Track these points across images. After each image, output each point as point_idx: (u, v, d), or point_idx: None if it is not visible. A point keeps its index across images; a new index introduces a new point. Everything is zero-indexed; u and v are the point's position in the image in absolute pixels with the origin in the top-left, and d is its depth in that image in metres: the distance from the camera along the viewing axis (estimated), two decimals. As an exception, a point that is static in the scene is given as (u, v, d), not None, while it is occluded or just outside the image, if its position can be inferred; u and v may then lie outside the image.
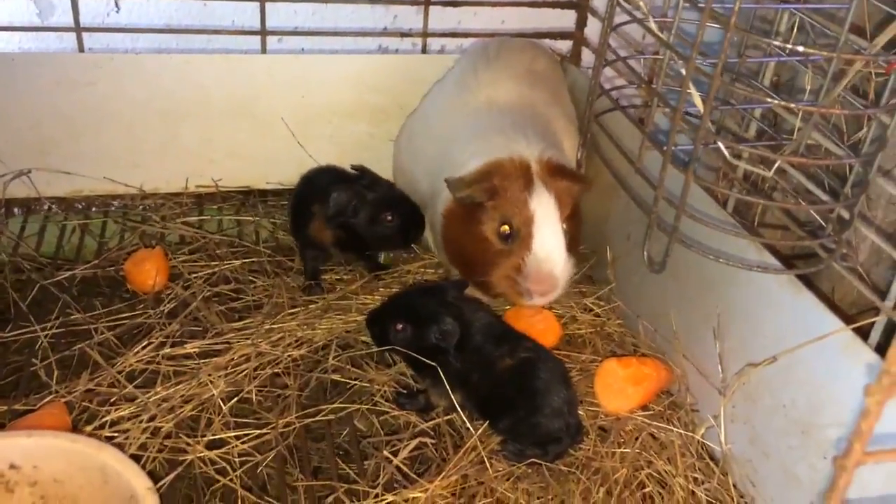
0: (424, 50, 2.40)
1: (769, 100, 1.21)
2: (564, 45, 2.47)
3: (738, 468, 1.55)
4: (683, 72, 1.36)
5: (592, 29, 2.42)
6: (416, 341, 1.64)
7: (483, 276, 1.77)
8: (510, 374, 1.58)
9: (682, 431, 1.61)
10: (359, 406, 1.67)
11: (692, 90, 1.29)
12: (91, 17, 2.18)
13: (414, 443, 1.58)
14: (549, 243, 1.72)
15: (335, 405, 1.66)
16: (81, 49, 2.16)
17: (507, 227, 1.73)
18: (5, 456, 1.22)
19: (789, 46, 1.20)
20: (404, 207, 2.01)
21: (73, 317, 1.79)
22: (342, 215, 1.94)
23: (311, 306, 1.89)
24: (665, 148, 1.36)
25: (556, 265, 1.72)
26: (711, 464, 1.58)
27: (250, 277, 1.98)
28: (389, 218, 1.97)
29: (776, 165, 1.32)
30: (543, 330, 1.78)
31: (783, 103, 1.28)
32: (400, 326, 1.64)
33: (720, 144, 1.33)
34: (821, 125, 1.56)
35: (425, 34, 2.37)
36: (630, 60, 1.70)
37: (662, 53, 1.64)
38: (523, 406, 1.55)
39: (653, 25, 1.47)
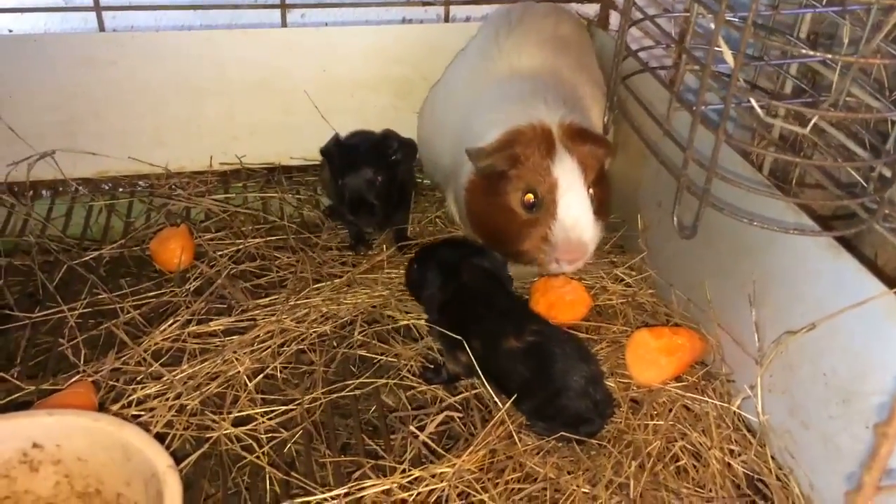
0: (447, 19, 2.35)
1: (805, 52, 1.13)
2: (591, 9, 2.40)
3: (776, 439, 1.50)
4: (713, 26, 1.29)
5: (620, -9, 2.35)
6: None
7: (511, 247, 1.74)
8: (522, 356, 1.54)
9: (717, 402, 1.56)
10: (385, 381, 1.65)
11: (722, 46, 1.22)
12: (114, -2, 2.17)
13: (441, 417, 1.55)
14: (574, 210, 1.67)
15: (361, 380, 1.64)
16: (102, 28, 2.15)
17: (531, 196, 1.69)
18: (28, 435, 1.22)
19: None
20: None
21: (100, 296, 1.79)
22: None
23: (335, 280, 1.87)
24: (694, 107, 1.30)
25: (584, 231, 1.67)
26: (748, 435, 1.53)
27: (275, 254, 1.97)
28: None
29: (812, 121, 1.25)
30: (573, 301, 1.74)
31: (819, 55, 1.20)
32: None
33: (752, 101, 1.26)
34: (860, 80, 1.48)
35: (448, 2, 2.32)
36: (657, 19, 1.63)
37: (691, 10, 1.56)
38: (542, 389, 1.51)
39: (679, -22, 1.40)
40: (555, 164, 1.68)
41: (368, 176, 1.92)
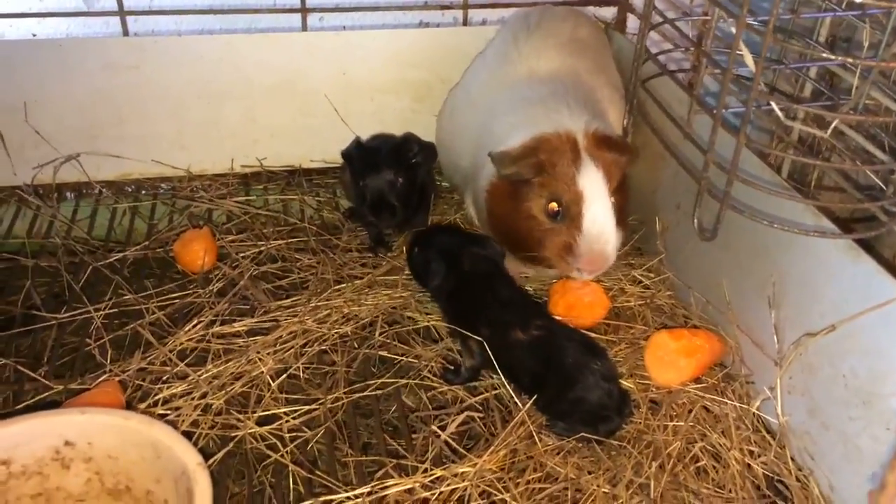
0: (465, 22, 2.37)
1: (826, 56, 1.14)
2: (609, 12, 2.41)
3: (796, 440, 1.51)
4: (734, 30, 1.30)
5: (637, -6, 2.36)
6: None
7: (532, 253, 1.76)
8: (529, 350, 1.56)
9: (736, 404, 1.57)
10: (406, 381, 1.66)
11: (743, 50, 1.23)
12: (135, 2, 2.19)
13: (461, 417, 1.56)
14: (599, 221, 1.69)
15: (382, 381, 1.66)
16: (126, 33, 2.18)
17: (555, 205, 1.70)
18: (60, 433, 1.25)
19: (846, -1, 1.14)
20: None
21: (125, 297, 1.82)
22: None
23: (356, 282, 1.89)
24: (715, 111, 1.31)
25: (608, 243, 1.69)
26: (768, 436, 1.54)
27: (296, 256, 1.99)
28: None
29: (833, 125, 1.26)
30: (591, 303, 1.75)
31: (840, 58, 1.21)
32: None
33: (773, 105, 1.27)
34: (880, 83, 1.49)
35: (466, 6, 2.34)
36: (677, 22, 1.64)
37: (711, 13, 1.58)
38: (554, 384, 1.52)
39: (700, -17, 1.41)
40: (580, 174, 1.69)
41: (389, 177, 1.94)
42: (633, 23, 2.37)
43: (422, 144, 2.06)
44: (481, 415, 1.59)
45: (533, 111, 1.81)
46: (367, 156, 2.00)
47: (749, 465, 1.48)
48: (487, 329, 1.59)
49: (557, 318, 1.69)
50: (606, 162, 1.72)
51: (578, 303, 1.74)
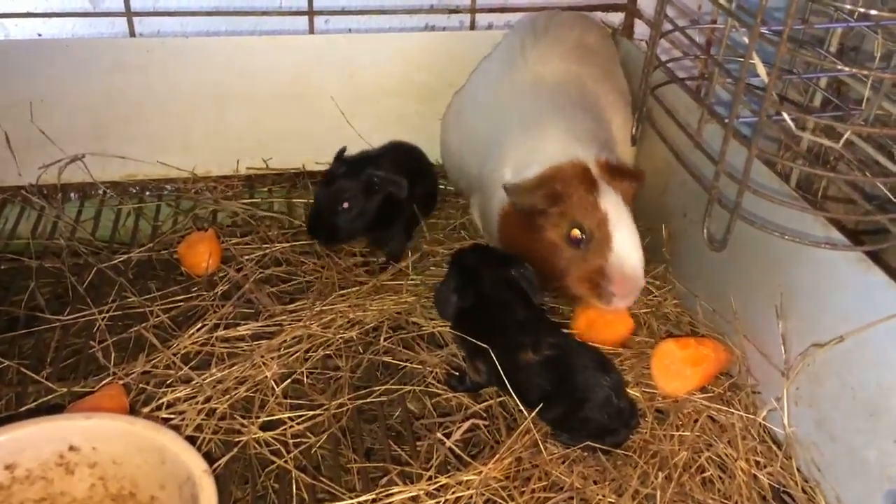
0: (473, 26, 2.36)
1: (840, 67, 1.14)
2: (616, 18, 2.41)
3: (803, 452, 1.50)
4: (746, 40, 1.30)
5: (645, 0, 2.35)
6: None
7: (555, 281, 1.72)
8: (541, 367, 1.53)
9: (742, 414, 1.57)
10: (411, 388, 1.66)
11: (756, 60, 1.23)
12: (141, 2, 2.19)
13: (466, 425, 1.56)
14: (629, 243, 1.67)
15: (387, 386, 1.65)
16: (132, 34, 2.18)
17: (577, 232, 1.67)
18: (65, 438, 1.24)
19: (860, 9, 1.13)
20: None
21: (129, 300, 1.81)
22: None
23: (362, 287, 1.88)
24: (727, 120, 1.31)
25: (638, 265, 1.67)
26: (774, 447, 1.53)
27: (301, 259, 1.98)
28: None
29: (846, 136, 1.26)
30: (612, 322, 1.73)
31: (855, 70, 1.21)
32: None
33: (785, 115, 1.27)
34: (891, 94, 1.48)
35: (473, 10, 2.33)
36: (688, 31, 1.63)
37: (722, 22, 1.57)
38: (565, 400, 1.50)
39: (713, -8, 1.41)
40: (601, 199, 1.67)
41: (335, 198, 1.91)
42: (640, 28, 2.37)
43: (388, 179, 1.94)
44: (486, 422, 1.59)
45: (544, 139, 1.79)
46: (331, 171, 1.98)
47: (755, 475, 1.48)
48: (496, 351, 1.56)
49: (571, 334, 1.66)
50: (622, 189, 1.71)
51: (599, 320, 1.72)
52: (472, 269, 1.69)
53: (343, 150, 2.06)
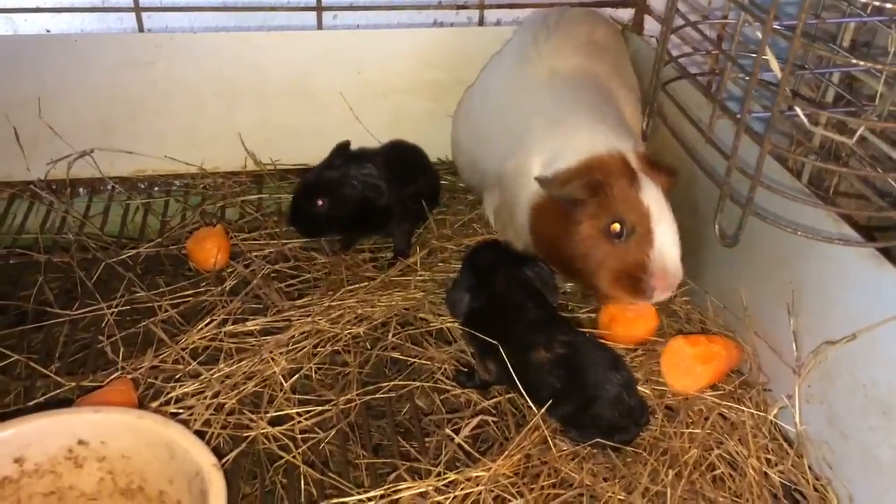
0: (482, 22, 2.36)
1: (855, 62, 1.13)
2: (626, 14, 2.40)
3: (814, 450, 1.49)
4: (758, 35, 1.29)
5: (655, -4, 2.34)
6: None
7: (590, 277, 1.68)
8: (553, 365, 1.51)
9: (753, 411, 1.56)
10: (419, 384, 1.65)
11: (769, 55, 1.22)
12: (149, -2, 2.19)
13: (475, 421, 1.55)
14: (670, 237, 1.64)
15: (395, 383, 1.65)
16: (141, 29, 2.17)
17: (617, 225, 1.63)
18: (74, 432, 1.24)
19: (876, 3, 1.12)
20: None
21: (137, 295, 1.81)
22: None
23: (370, 283, 1.88)
24: (739, 116, 1.30)
25: (678, 260, 1.64)
26: (785, 445, 1.53)
27: (309, 255, 1.98)
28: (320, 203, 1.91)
29: (860, 132, 1.25)
30: (633, 319, 1.71)
31: (870, 65, 1.19)
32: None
33: (798, 110, 1.26)
34: (905, 89, 1.47)
35: (482, 6, 2.33)
36: (699, 26, 1.62)
37: (733, 17, 1.56)
38: (576, 398, 1.49)
39: (726, -14, 1.39)
40: (642, 193, 1.64)
41: (312, 193, 1.92)
42: (649, 24, 2.36)
43: (366, 183, 1.93)
44: (495, 418, 1.58)
45: (577, 131, 1.77)
46: (326, 161, 2.00)
47: (766, 473, 1.47)
48: (507, 349, 1.54)
49: (584, 332, 1.64)
50: (660, 181, 1.68)
51: (621, 316, 1.70)
52: (486, 267, 1.67)
53: (346, 144, 2.06)
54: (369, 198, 1.93)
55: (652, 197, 1.65)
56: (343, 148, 2.05)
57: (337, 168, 1.95)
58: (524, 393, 1.54)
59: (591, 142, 1.73)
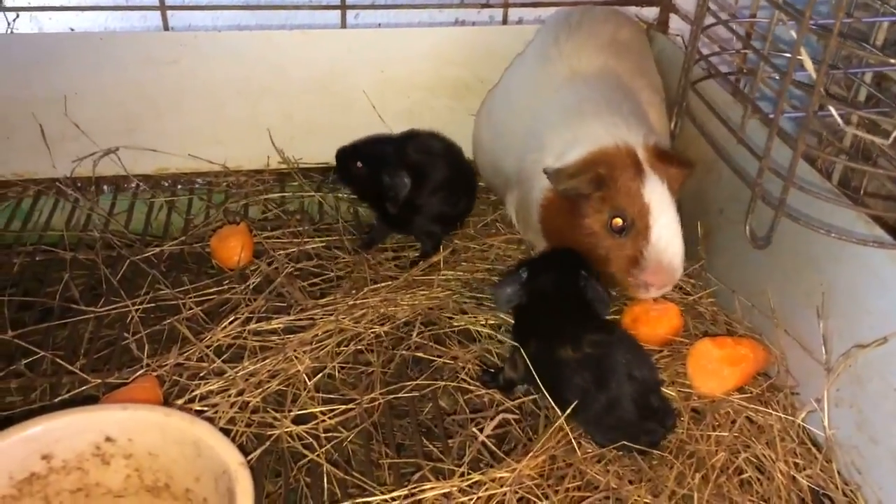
0: (505, 21, 2.35)
1: (892, 62, 1.11)
2: (651, 12, 2.38)
3: (843, 454, 1.47)
4: (789, 34, 1.27)
5: (681, -6, 2.32)
6: None
7: (599, 268, 1.69)
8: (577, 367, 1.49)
9: (781, 415, 1.54)
10: (443, 383, 1.65)
11: (804, 55, 1.20)
12: (173, -4, 2.20)
13: (498, 419, 1.54)
14: (667, 234, 1.64)
15: (418, 382, 1.64)
16: (166, 27, 2.18)
17: (619, 220, 1.64)
18: (101, 429, 1.24)
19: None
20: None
21: (161, 292, 1.82)
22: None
23: (393, 282, 1.87)
24: (772, 116, 1.28)
25: (676, 256, 1.64)
26: (814, 449, 1.50)
27: (332, 253, 1.98)
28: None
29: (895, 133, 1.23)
30: (656, 319, 1.70)
31: (906, 64, 1.18)
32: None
33: (832, 111, 1.24)
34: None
35: (507, 4, 2.32)
36: (729, 25, 1.60)
37: (763, 16, 1.54)
38: (597, 400, 1.47)
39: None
40: (645, 188, 1.64)
41: (360, 155, 2.03)
42: (675, 23, 2.34)
43: (389, 186, 1.96)
44: (518, 418, 1.57)
45: (588, 123, 1.76)
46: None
47: (794, 478, 1.45)
48: (535, 344, 1.54)
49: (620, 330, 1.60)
50: (668, 176, 1.67)
51: (644, 315, 1.70)
52: (544, 269, 1.67)
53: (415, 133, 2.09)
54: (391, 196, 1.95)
55: (655, 191, 1.65)
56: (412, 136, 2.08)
57: (388, 156, 1.99)
58: (546, 394, 1.52)
59: (598, 134, 1.72)
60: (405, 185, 1.92)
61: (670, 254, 1.64)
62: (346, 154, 2.04)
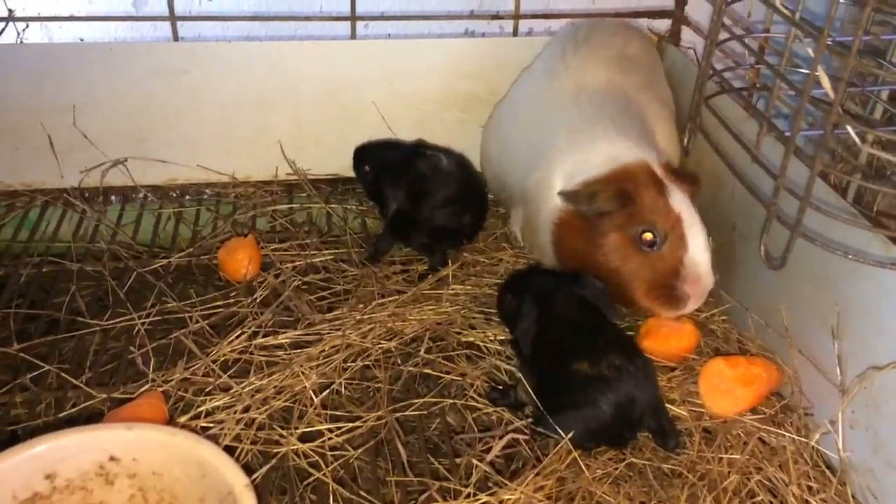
0: (515, 33, 2.33)
1: (911, 80, 1.09)
2: (663, 24, 2.36)
3: (858, 478, 1.45)
4: (805, 51, 1.25)
5: (693, 7, 2.31)
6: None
7: (623, 289, 1.67)
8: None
9: (794, 437, 1.51)
10: (451, 401, 1.63)
11: (821, 73, 1.18)
12: (183, 6, 2.19)
13: (506, 439, 1.52)
14: (702, 244, 1.64)
15: (426, 399, 1.62)
16: (176, 38, 2.18)
17: (650, 234, 1.62)
18: (106, 448, 1.23)
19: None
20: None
21: (168, 305, 1.80)
22: None
23: (401, 297, 1.85)
24: (788, 134, 1.26)
25: (710, 266, 1.64)
26: (828, 472, 1.48)
27: (340, 266, 1.96)
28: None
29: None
30: (667, 334, 1.67)
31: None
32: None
33: (850, 129, 1.22)
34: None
35: (517, 16, 2.30)
36: (735, 41, 1.58)
37: (777, 31, 1.52)
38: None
39: (777, 2, 1.36)
40: (672, 200, 1.64)
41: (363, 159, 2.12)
42: (686, 35, 2.33)
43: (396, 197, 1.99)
44: (527, 437, 1.55)
45: (598, 142, 1.75)
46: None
47: (808, 501, 1.42)
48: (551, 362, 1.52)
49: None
50: (685, 190, 1.68)
51: (655, 331, 1.67)
52: (544, 293, 1.63)
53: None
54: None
55: (681, 203, 1.64)
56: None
57: (399, 155, 2.03)
58: (545, 413, 1.49)
59: (615, 152, 1.71)
60: (395, 199, 1.94)
61: (706, 264, 1.63)
62: (359, 154, 2.10)
